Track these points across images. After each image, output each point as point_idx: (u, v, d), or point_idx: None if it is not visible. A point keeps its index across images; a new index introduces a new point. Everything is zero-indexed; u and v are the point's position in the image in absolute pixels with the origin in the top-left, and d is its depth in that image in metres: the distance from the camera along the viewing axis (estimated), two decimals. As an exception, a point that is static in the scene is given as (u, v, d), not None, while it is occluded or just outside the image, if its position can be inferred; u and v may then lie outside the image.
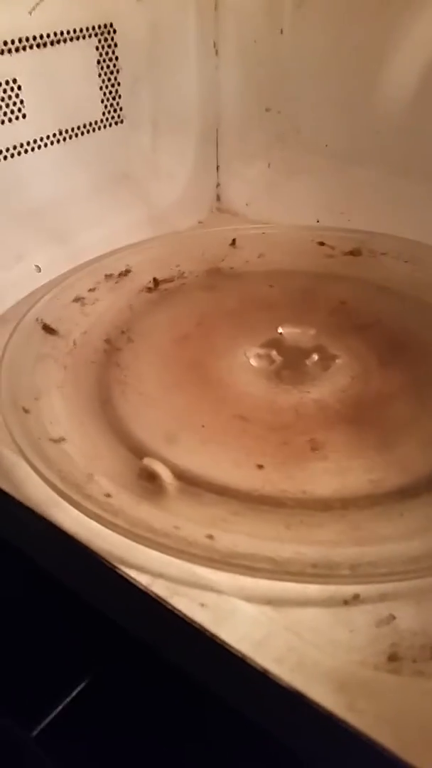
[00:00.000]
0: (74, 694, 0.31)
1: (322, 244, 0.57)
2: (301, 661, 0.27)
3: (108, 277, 0.52)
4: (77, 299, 0.49)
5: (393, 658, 0.27)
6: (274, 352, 0.45)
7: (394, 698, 0.26)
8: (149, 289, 0.52)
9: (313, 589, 0.30)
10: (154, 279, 0.53)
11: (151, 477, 0.34)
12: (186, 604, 0.29)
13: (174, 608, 0.28)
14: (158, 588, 0.29)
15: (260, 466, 0.36)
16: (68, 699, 0.31)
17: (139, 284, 0.52)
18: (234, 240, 0.57)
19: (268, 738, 0.27)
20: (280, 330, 0.46)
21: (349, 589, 0.30)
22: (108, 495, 0.33)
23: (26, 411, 0.38)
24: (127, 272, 0.53)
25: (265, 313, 0.49)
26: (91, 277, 0.51)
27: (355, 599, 0.30)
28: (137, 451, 0.37)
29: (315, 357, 0.44)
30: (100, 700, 0.31)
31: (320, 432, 0.39)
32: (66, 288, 0.49)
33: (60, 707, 0.30)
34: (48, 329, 0.45)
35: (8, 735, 0.29)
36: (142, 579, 0.29)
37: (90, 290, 0.50)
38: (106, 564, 0.30)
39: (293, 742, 0.26)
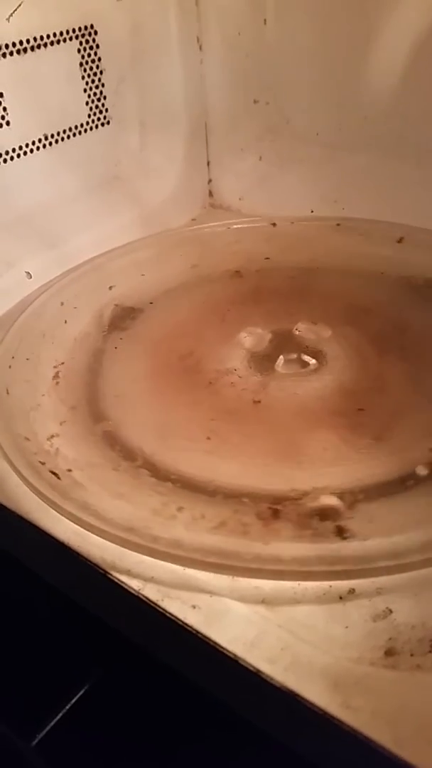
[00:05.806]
0: (74, 701, 0.31)
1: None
2: (295, 659, 0.26)
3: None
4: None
5: (390, 652, 0.27)
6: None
7: (391, 694, 0.25)
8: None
9: (307, 586, 0.29)
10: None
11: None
12: (178, 606, 0.28)
13: (165, 611, 0.28)
14: (149, 591, 0.29)
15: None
16: (68, 707, 0.31)
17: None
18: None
19: (270, 739, 0.26)
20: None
21: (344, 585, 0.29)
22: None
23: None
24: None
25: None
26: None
27: (351, 594, 0.29)
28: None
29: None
30: (99, 707, 0.31)
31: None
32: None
33: (60, 715, 0.30)
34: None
35: (7, 744, 0.29)
36: (132, 583, 0.29)
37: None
38: (98, 570, 0.30)
39: (291, 742, 0.26)
